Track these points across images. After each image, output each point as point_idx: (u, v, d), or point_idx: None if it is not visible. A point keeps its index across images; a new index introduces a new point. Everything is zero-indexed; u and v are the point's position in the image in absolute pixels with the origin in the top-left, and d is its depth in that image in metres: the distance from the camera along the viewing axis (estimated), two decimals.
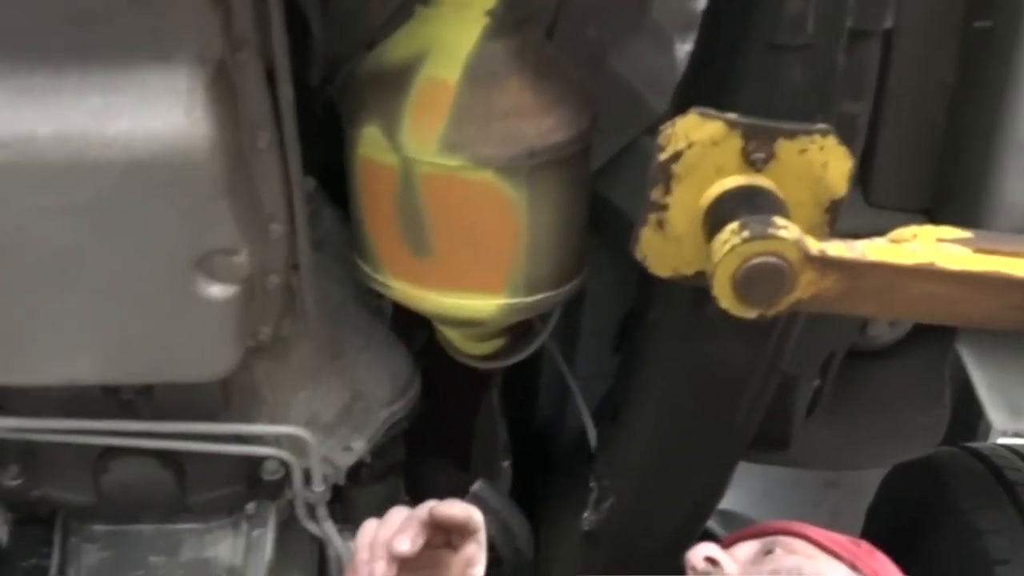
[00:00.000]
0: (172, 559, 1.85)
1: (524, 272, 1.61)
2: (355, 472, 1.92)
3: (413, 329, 2.02)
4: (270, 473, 1.81)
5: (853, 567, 1.60)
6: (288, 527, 1.91)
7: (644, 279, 1.59)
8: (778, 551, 1.62)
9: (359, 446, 1.86)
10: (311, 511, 1.87)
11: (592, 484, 2.01)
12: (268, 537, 1.85)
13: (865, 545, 1.67)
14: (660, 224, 1.45)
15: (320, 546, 2.03)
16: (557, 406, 2.49)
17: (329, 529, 1.89)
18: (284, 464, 1.80)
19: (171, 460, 1.77)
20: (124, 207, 1.37)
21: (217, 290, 1.47)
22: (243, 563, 1.84)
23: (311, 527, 1.89)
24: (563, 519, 2.20)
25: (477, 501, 2.19)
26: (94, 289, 1.45)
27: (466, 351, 1.90)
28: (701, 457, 1.90)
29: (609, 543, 2.02)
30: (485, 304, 1.64)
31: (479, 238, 1.57)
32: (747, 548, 1.67)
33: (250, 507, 1.85)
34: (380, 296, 1.95)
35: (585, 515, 2.01)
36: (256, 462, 1.80)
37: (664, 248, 1.47)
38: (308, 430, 1.77)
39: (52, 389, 1.68)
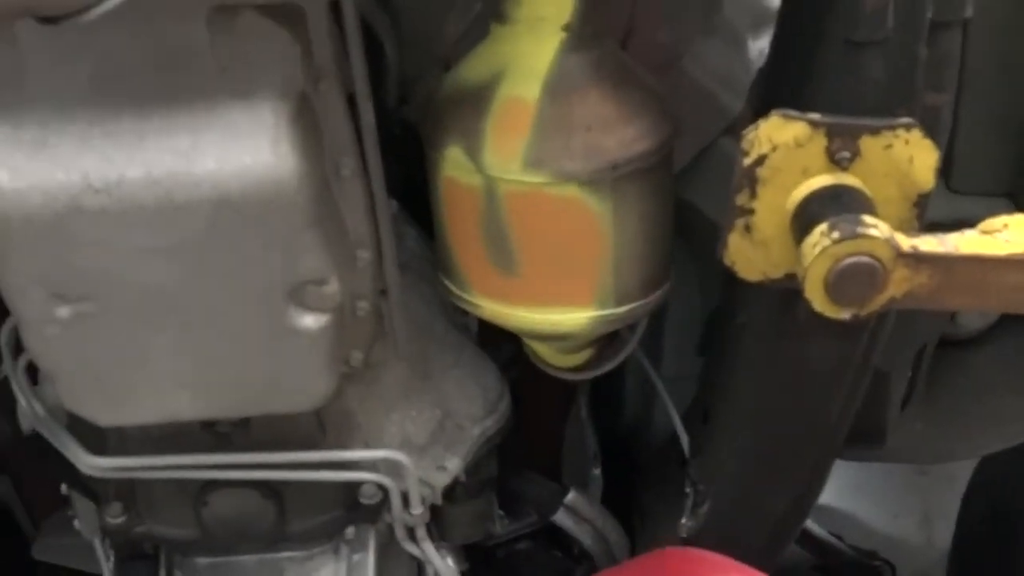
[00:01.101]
0: None
1: (612, 284, 1.61)
2: (450, 490, 1.92)
3: (499, 343, 2.03)
4: (368, 497, 1.81)
5: None
6: (387, 549, 1.91)
7: (730, 281, 1.59)
8: None
9: (454, 465, 1.86)
10: (410, 533, 1.87)
11: (688, 489, 2.00)
12: (369, 561, 1.85)
13: None
14: (747, 229, 1.45)
15: (418, 566, 2.04)
16: (644, 411, 2.48)
17: (429, 550, 1.89)
18: (381, 488, 1.80)
19: (270, 490, 1.78)
20: (215, 245, 1.39)
21: (310, 320, 1.48)
22: None
23: (411, 548, 1.89)
24: (659, 525, 2.19)
25: (571, 512, 2.20)
26: (190, 327, 1.47)
27: (555, 364, 1.90)
28: (796, 457, 1.89)
29: (708, 548, 2.01)
30: (574, 318, 1.64)
31: (566, 253, 1.57)
32: None
33: (349, 532, 1.85)
34: (466, 312, 1.96)
35: (683, 521, 2.00)
36: (353, 487, 1.81)
37: (752, 253, 1.47)
38: (403, 452, 1.77)
39: (150, 427, 1.70)
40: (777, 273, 1.48)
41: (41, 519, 2.48)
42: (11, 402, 1.96)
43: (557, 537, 2.26)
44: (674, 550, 2.02)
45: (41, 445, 2.07)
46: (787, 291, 1.47)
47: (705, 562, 1.87)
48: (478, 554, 2.12)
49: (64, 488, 1.99)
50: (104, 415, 1.59)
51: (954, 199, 1.70)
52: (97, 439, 1.76)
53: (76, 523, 2.05)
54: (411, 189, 1.76)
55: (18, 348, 1.85)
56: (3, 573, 2.56)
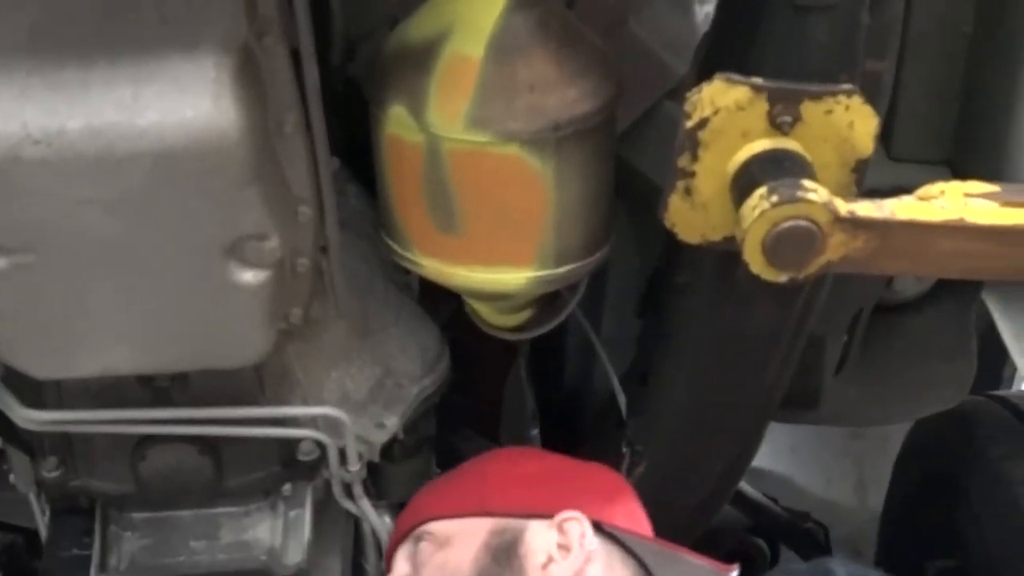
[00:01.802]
0: (212, 543, 1.86)
1: (553, 244, 1.62)
2: (388, 449, 1.93)
3: (439, 303, 2.03)
4: (305, 454, 1.81)
5: (492, 513, 1.66)
6: (324, 506, 1.91)
7: (670, 243, 1.60)
8: (423, 544, 1.69)
9: (392, 423, 1.87)
10: (347, 490, 1.88)
11: (624, 449, 2.02)
12: (306, 517, 1.85)
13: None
14: (688, 191, 1.46)
15: (356, 524, 2.04)
16: (583, 372, 2.50)
17: (365, 507, 1.90)
18: (319, 445, 1.80)
19: (208, 446, 1.77)
20: (156, 197, 1.37)
21: (249, 276, 1.48)
22: (282, 544, 1.84)
23: (348, 506, 1.90)
24: None
25: None
26: (129, 280, 1.46)
27: (495, 324, 1.90)
28: (732, 419, 1.91)
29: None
30: (515, 277, 1.64)
31: (507, 212, 1.58)
32: (400, 561, 1.74)
33: (286, 488, 1.85)
34: (407, 271, 1.96)
35: None
36: (291, 444, 1.80)
37: (692, 215, 1.48)
38: (341, 409, 1.77)
39: (88, 381, 1.69)
40: (716, 236, 1.49)
41: None
42: None
43: None
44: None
45: None
46: (726, 254, 1.48)
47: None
48: None
49: None
50: (42, 368, 1.58)
51: (895, 166, 1.72)
52: (33, 392, 1.75)
53: (11, 477, 2.03)
54: (353, 147, 1.76)
55: None
56: None
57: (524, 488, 1.71)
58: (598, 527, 1.63)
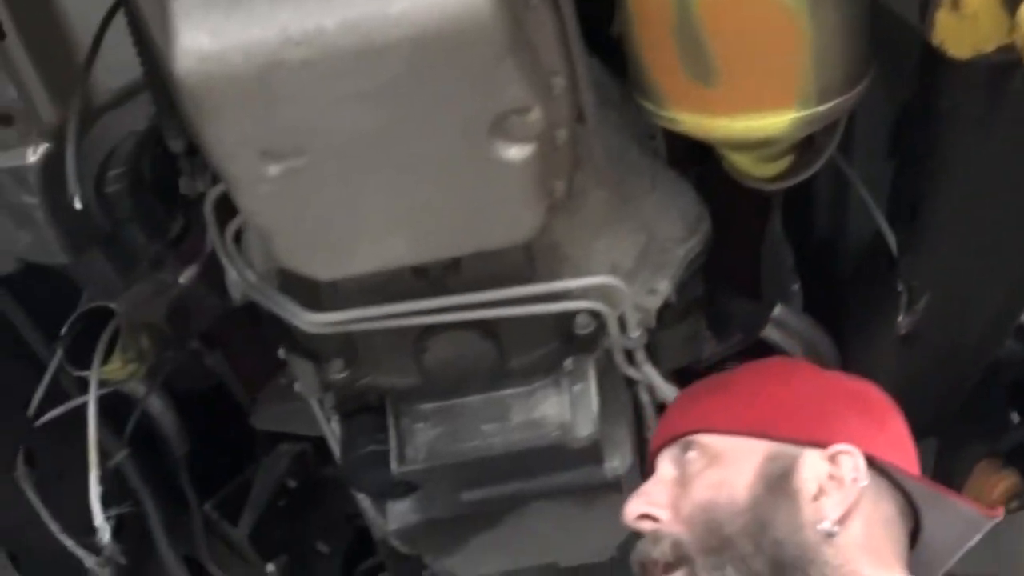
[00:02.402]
0: (503, 424, 1.89)
1: (813, 82, 1.57)
2: (658, 316, 1.92)
3: (687, 166, 2.01)
4: (583, 327, 1.81)
5: (766, 436, 1.61)
6: (605, 378, 1.92)
7: (931, 67, 1.54)
8: (691, 455, 1.64)
9: (663, 287, 1.86)
10: (629, 358, 1.88)
11: (900, 288, 1.97)
12: (591, 390, 1.86)
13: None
14: (955, 4, 1.39)
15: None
16: (835, 221, 2.44)
17: (650, 372, 1.90)
18: (595, 316, 1.80)
19: (487, 329, 1.79)
20: (417, 84, 1.38)
21: (515, 151, 1.47)
22: (571, 418, 1.86)
23: (631, 373, 1.90)
24: (872, 328, 2.17)
25: (780, 326, 2.18)
26: (399, 170, 1.47)
27: (754, 175, 1.86)
28: (1013, 242, 1.84)
29: (927, 342, 1.98)
30: (777, 121, 1.60)
31: (764, 53, 1.53)
32: (667, 463, 1.68)
33: (568, 364, 1.86)
34: (653, 137, 1.93)
35: (900, 319, 1.97)
36: (568, 319, 1.81)
37: (962, 28, 1.41)
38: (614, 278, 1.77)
39: (364, 279, 1.72)
40: (990, 46, 1.42)
41: (256, 390, 2.56)
42: (219, 278, 2.00)
43: (766, 353, 2.25)
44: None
45: (253, 315, 2.13)
46: (999, 66, 1.41)
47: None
48: (689, 380, 2.12)
49: (281, 352, 2.04)
50: (323, 268, 1.61)
51: None
52: (312, 297, 1.79)
53: (296, 386, 2.10)
54: (590, 18, 1.73)
55: (224, 216, 1.89)
56: (224, 444, 2.65)
57: (798, 412, 1.68)
58: (870, 461, 1.60)
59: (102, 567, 2.18)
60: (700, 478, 1.62)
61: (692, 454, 1.65)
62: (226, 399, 2.58)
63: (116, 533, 2.21)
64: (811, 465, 1.59)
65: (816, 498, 1.56)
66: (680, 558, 1.56)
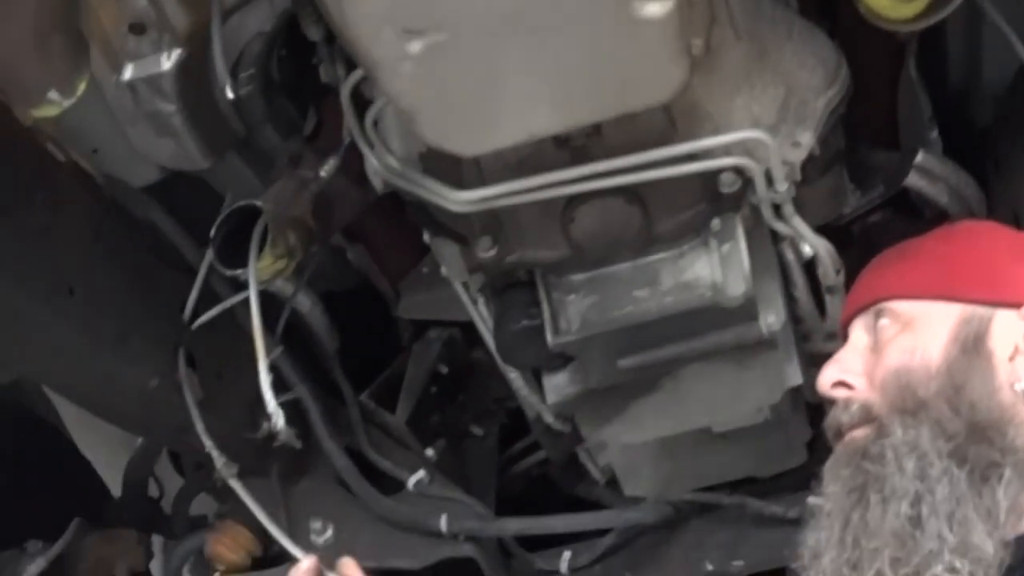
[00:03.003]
0: (655, 289, 1.89)
1: None
2: (801, 168, 1.90)
3: (820, 15, 1.97)
4: (727, 186, 1.80)
5: (957, 299, 1.62)
6: (751, 236, 1.91)
7: None
8: (884, 322, 1.64)
9: (806, 139, 1.83)
10: (777, 212, 1.86)
11: None
12: (740, 248, 1.85)
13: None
14: None
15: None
16: (971, 63, 2.39)
17: (799, 225, 1.89)
18: (740, 173, 1.79)
19: (633, 195, 1.79)
20: None
21: (655, 7, 1.45)
22: (723, 277, 1.85)
23: (780, 228, 1.89)
24: (1020, 170, 2.13)
25: (924, 173, 2.14)
26: (538, 37, 1.46)
27: (892, 16, 1.82)
28: None
29: None
30: None
31: None
32: (860, 331, 1.69)
33: (715, 223, 1.85)
34: None
35: None
36: (712, 178, 1.79)
37: None
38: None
39: (507, 153, 1.72)
40: None
41: (398, 282, 2.58)
42: (359, 169, 2.02)
43: (909, 204, 2.22)
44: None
45: (393, 206, 2.14)
46: None
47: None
48: (833, 235, 2.10)
49: (426, 237, 2.05)
50: (469, 144, 1.61)
51: None
52: (455, 176, 1.80)
53: (442, 271, 2.11)
54: None
55: (360, 106, 1.90)
56: (371, 338, 2.68)
57: (989, 274, 1.67)
58: None
59: (229, 468, 2.24)
60: (893, 344, 1.63)
61: (884, 321, 1.65)
62: (370, 294, 2.61)
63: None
64: (1005, 326, 1.59)
65: (1011, 359, 1.57)
66: (871, 420, 1.58)
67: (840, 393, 1.63)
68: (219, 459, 2.20)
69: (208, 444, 2.17)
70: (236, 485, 2.27)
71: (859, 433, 1.59)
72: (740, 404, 2.11)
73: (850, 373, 1.63)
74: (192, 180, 2.21)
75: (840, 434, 1.62)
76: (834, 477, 1.58)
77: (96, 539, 2.61)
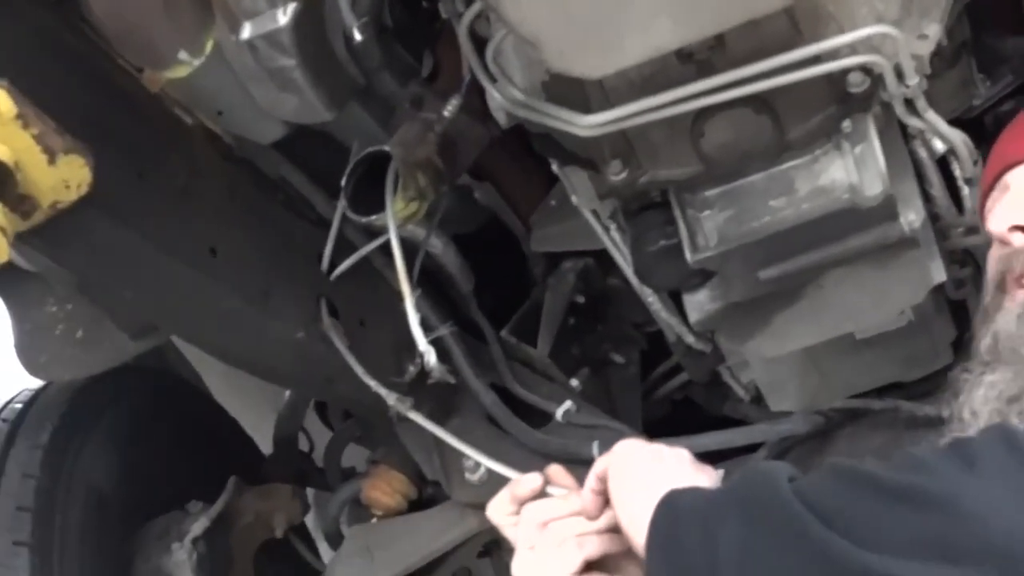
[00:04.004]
0: (791, 197, 1.87)
1: None
2: (929, 61, 1.86)
3: None
4: (856, 85, 1.77)
5: None
6: (883, 135, 1.88)
7: None
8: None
9: (933, 30, 1.80)
10: (909, 108, 1.84)
11: None
12: (874, 147, 1.83)
13: None
14: None
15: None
16: None
17: (934, 119, 1.86)
18: (867, 72, 1.76)
19: (762, 103, 1.77)
20: None
21: None
22: (859, 179, 1.83)
23: (914, 123, 1.86)
24: None
25: None
26: None
27: None
28: None
29: None
30: None
31: None
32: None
33: (846, 125, 1.82)
34: None
35: None
36: (840, 79, 1.77)
37: None
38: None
39: (631, 73, 1.72)
40: None
41: (527, 215, 2.59)
42: (481, 107, 2.03)
43: None
44: None
45: (517, 142, 2.15)
46: None
47: None
48: (964, 128, 2.06)
49: (554, 168, 2.06)
50: (595, 65, 1.61)
51: None
52: (581, 102, 1.80)
53: (573, 200, 2.12)
54: None
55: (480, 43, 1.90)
56: (505, 275, 2.69)
57: None
58: None
59: (403, 403, 2.25)
60: None
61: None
62: (500, 229, 2.61)
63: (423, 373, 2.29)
64: None
65: None
66: None
67: (1017, 238, 1.59)
68: (389, 396, 2.21)
69: (373, 384, 2.18)
70: (416, 417, 2.27)
71: None
72: (884, 307, 2.08)
73: None
74: (317, 133, 2.23)
75: (1004, 281, 1.58)
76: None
77: (253, 496, 2.67)
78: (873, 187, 1.82)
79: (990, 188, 1.70)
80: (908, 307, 2.11)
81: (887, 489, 1.21)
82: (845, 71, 1.76)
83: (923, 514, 1.17)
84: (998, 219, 1.60)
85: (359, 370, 2.17)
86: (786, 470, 1.35)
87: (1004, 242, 1.59)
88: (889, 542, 1.16)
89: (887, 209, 1.86)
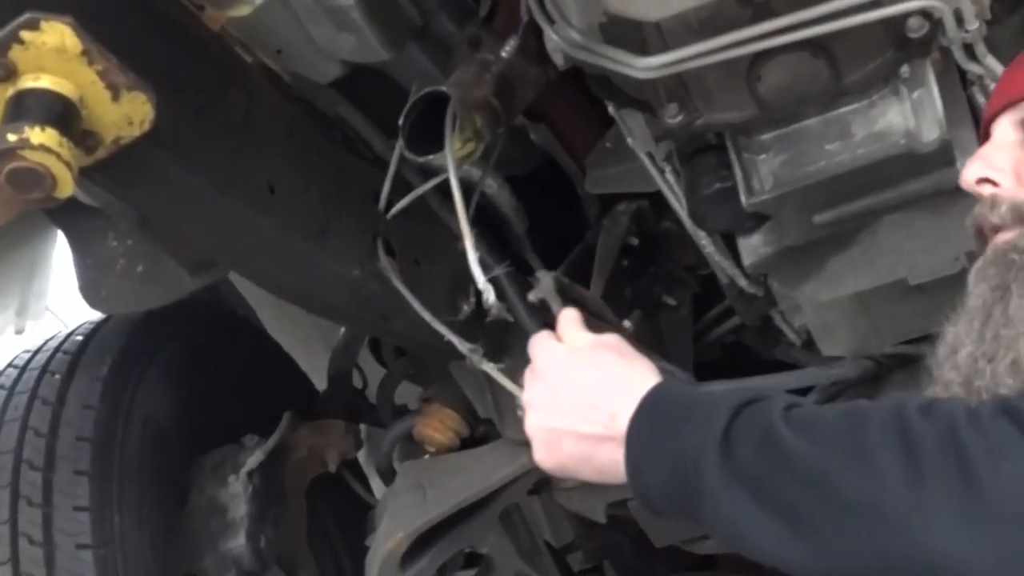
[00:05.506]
0: (847, 141, 1.88)
1: None
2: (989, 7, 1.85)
3: None
4: (915, 30, 1.76)
5: None
6: (941, 81, 1.88)
7: None
8: None
9: None
10: (969, 54, 1.83)
11: None
12: (932, 93, 1.83)
13: None
14: None
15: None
16: None
17: (994, 64, 1.85)
18: (927, 16, 1.75)
19: (819, 47, 1.77)
20: None
21: None
22: (916, 124, 1.83)
23: (974, 68, 1.85)
24: None
25: None
26: None
27: None
28: None
29: None
30: None
31: None
32: (1007, 127, 1.58)
33: (904, 70, 1.82)
34: None
35: None
36: (899, 23, 1.76)
37: None
38: None
39: (688, 15, 1.71)
40: None
41: (582, 157, 2.59)
42: (538, 48, 2.03)
43: None
44: None
45: (573, 84, 2.15)
46: None
47: None
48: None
49: (610, 110, 2.06)
50: (652, 7, 1.62)
51: None
52: (638, 44, 1.80)
53: (629, 142, 2.12)
54: None
55: None
56: (558, 216, 2.71)
57: None
58: None
59: (461, 338, 2.26)
60: None
61: None
62: (554, 172, 2.62)
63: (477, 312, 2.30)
64: None
65: None
66: (1019, 220, 1.51)
67: (986, 190, 1.56)
68: (449, 334, 2.23)
69: (431, 320, 2.19)
70: (472, 355, 2.28)
71: (1010, 235, 1.52)
72: (938, 253, 2.08)
73: (996, 170, 1.55)
74: (374, 73, 2.24)
75: (982, 233, 1.56)
76: (980, 277, 1.52)
77: (307, 430, 2.71)
78: (930, 132, 1.82)
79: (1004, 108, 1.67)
80: (962, 254, 2.11)
81: None
82: (904, 15, 1.75)
83: None
84: (969, 171, 1.57)
85: (417, 307, 2.19)
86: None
87: (975, 194, 1.57)
88: None
89: (944, 155, 1.86)
